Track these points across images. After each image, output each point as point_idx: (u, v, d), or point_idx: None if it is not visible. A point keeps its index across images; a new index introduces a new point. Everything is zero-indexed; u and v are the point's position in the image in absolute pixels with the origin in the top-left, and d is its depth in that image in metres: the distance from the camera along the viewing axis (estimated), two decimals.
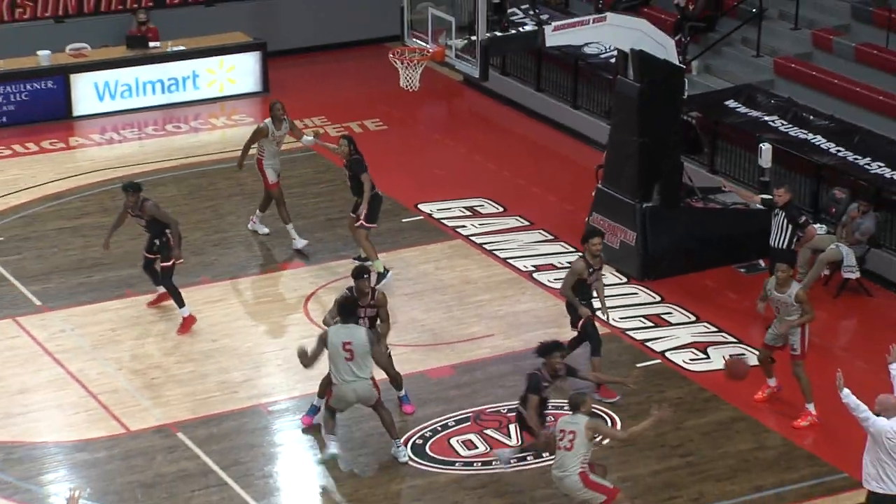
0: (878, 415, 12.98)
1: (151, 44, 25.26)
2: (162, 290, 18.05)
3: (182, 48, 25.26)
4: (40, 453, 15.58)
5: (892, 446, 12.85)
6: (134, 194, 17.67)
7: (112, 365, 17.17)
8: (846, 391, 13.01)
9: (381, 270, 18.80)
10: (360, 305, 15.36)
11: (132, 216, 17.85)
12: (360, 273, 15.59)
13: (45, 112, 24.18)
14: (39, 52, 24.40)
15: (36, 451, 15.61)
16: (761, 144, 20.28)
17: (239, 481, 15.04)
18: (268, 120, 19.91)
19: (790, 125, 21.45)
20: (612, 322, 17.20)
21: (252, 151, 19.85)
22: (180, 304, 17.85)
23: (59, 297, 18.63)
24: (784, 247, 17.64)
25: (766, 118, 21.70)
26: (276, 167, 19.91)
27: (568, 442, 13.38)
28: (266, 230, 20.38)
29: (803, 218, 17.41)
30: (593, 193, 20.23)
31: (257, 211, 20.40)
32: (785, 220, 17.56)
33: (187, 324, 17.85)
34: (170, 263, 17.74)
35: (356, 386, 14.69)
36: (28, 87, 24.15)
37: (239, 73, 25.54)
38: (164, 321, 18.11)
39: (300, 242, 19.86)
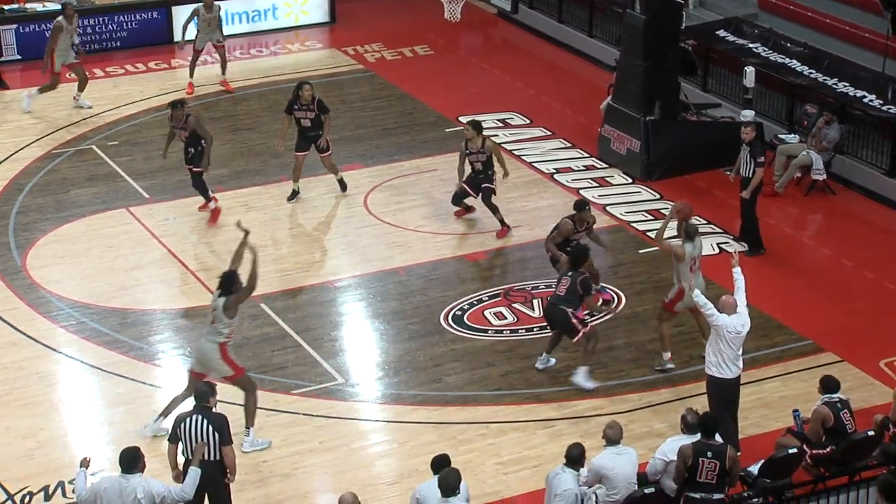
0: (720, 311, 12.70)
1: None
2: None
3: None
4: (149, 318, 15.71)
5: (731, 338, 12.66)
6: (180, 109, 17.37)
7: (206, 248, 17.23)
8: (697, 292, 12.82)
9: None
10: (578, 230, 15.39)
11: (176, 129, 17.42)
12: (581, 206, 15.53)
13: (151, 38, 24.01)
14: None
15: (146, 316, 15.74)
16: (746, 67, 20.00)
17: (310, 344, 15.15)
18: (60, 18, 20.76)
19: (770, 51, 21.13)
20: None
21: None
22: (206, 198, 17.76)
23: (163, 191, 18.67)
24: (750, 175, 16.69)
25: (751, 45, 21.38)
26: (65, 59, 20.77)
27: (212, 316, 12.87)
28: (89, 104, 21.10)
29: (762, 158, 16.77)
30: (601, 107, 20.08)
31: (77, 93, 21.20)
32: (748, 155, 16.69)
33: (215, 214, 17.71)
34: (200, 169, 17.44)
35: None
36: (137, 16, 24.00)
37: (311, 6, 25.25)
38: (250, 212, 18.12)
39: (28, 104, 20.94)
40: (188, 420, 11.35)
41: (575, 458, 11.23)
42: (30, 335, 15.19)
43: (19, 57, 23.21)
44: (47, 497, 12.47)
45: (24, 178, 19.04)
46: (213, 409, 11.49)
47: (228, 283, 13.02)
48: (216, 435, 11.29)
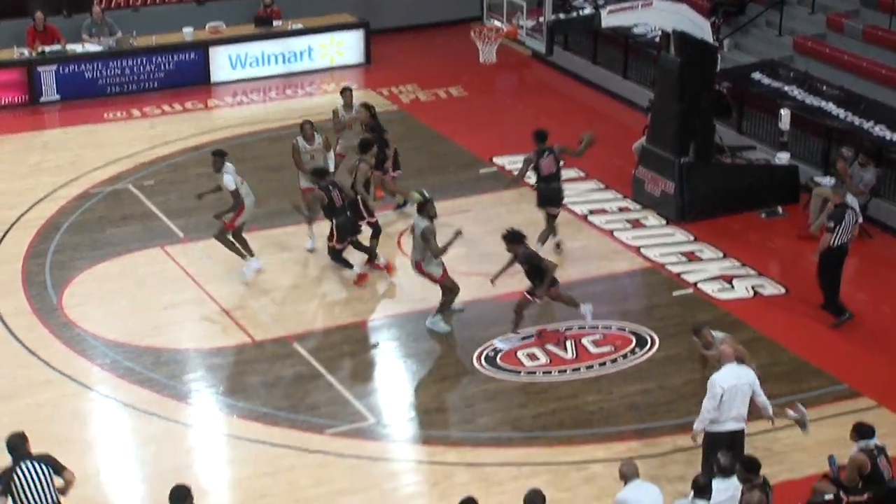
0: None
1: (275, 23, 25.24)
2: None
3: (300, 26, 25.20)
4: (182, 357, 15.76)
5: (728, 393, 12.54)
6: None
7: (241, 287, 17.28)
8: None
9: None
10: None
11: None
12: None
13: (188, 78, 24.23)
14: (184, 29, 24.46)
15: (179, 355, 15.79)
16: (781, 110, 19.99)
17: (342, 383, 15.15)
18: (299, 138, 18.40)
19: (806, 94, 21.09)
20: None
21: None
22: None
23: (198, 230, 18.73)
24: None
25: (786, 88, 21.35)
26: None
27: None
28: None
29: (831, 223, 16.37)
30: (634, 148, 20.06)
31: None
32: (827, 215, 16.48)
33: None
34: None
35: None
36: (174, 58, 24.23)
37: (346, 47, 25.46)
38: (283, 252, 18.19)
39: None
40: (19, 471, 11.21)
41: (703, 486, 11.26)
42: (65, 373, 15.27)
43: (58, 97, 23.48)
44: None
45: (61, 217, 19.20)
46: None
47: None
48: (50, 470, 11.30)
